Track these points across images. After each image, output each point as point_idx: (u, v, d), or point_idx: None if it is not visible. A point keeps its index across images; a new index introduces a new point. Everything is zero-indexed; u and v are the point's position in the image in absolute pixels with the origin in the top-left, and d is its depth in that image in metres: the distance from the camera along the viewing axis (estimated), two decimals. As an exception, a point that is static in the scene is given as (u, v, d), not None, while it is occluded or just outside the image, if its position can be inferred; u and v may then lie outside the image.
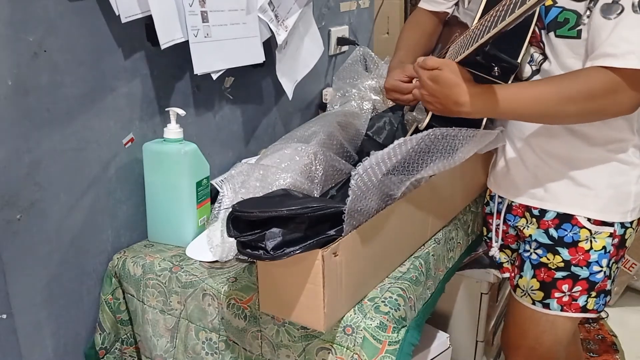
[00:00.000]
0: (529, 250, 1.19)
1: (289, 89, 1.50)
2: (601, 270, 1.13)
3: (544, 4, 1.02)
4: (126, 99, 1.15)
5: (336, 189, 1.13)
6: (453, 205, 1.28)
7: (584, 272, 1.13)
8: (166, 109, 1.19)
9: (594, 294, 1.15)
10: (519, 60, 1.01)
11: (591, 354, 2.02)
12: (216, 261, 1.11)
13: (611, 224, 1.11)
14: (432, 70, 1.00)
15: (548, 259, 1.16)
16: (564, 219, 1.13)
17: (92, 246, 1.15)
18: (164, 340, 1.13)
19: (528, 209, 1.18)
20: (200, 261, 1.12)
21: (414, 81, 1.17)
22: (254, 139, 1.53)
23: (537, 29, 1.06)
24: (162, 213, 1.19)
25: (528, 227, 1.19)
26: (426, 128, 1.09)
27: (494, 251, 1.32)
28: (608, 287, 1.16)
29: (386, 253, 1.03)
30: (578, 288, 1.14)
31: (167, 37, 1.14)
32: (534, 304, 1.19)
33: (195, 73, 1.21)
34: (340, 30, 1.82)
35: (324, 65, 1.78)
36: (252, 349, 1.04)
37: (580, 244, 1.12)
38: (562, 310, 1.16)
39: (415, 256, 1.12)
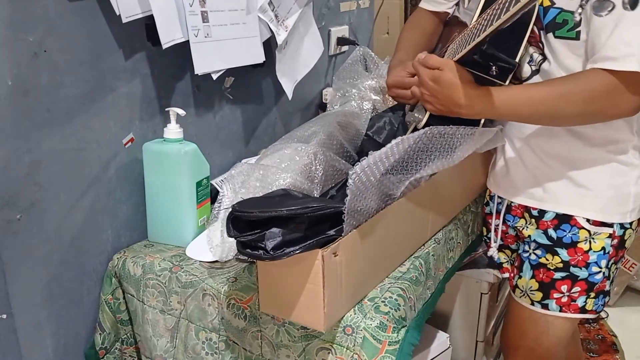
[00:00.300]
0: (528, 251, 1.19)
1: (288, 89, 1.50)
2: (600, 271, 1.13)
3: (542, 5, 1.02)
4: (126, 99, 1.15)
5: (336, 189, 1.13)
6: (453, 205, 1.28)
7: (583, 273, 1.13)
8: (166, 109, 1.19)
9: (592, 294, 1.15)
10: (517, 60, 1.01)
11: (591, 354, 2.02)
12: (216, 261, 1.11)
13: (610, 225, 1.11)
14: (433, 70, 1.00)
15: (547, 260, 1.16)
16: (563, 219, 1.13)
17: (92, 246, 1.15)
18: (164, 340, 1.13)
19: (527, 209, 1.18)
20: (200, 261, 1.12)
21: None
22: (254, 139, 1.53)
23: (536, 30, 1.06)
24: (162, 213, 1.19)
25: (527, 227, 1.19)
26: (424, 127, 1.09)
27: (493, 251, 1.32)
28: (607, 288, 1.16)
29: (386, 253, 1.03)
30: (577, 289, 1.14)
31: (168, 37, 1.14)
32: (532, 304, 1.19)
33: (195, 73, 1.21)
34: (340, 30, 1.82)
35: (324, 65, 1.78)
36: (252, 349, 1.04)
37: (579, 245, 1.12)
38: (561, 310, 1.16)
39: (415, 256, 1.12)
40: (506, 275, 1.33)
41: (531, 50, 1.09)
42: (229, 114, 1.43)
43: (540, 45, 1.07)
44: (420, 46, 1.35)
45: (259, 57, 1.35)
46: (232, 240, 0.95)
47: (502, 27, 0.86)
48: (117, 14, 1.06)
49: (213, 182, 1.23)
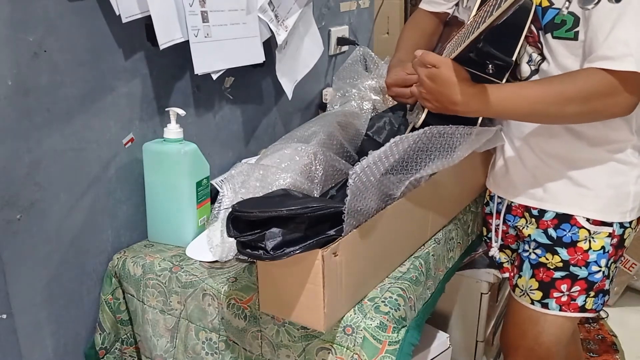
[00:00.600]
0: (528, 250, 1.19)
1: (288, 89, 1.50)
2: (600, 270, 1.13)
3: (540, 5, 1.02)
4: (126, 99, 1.15)
5: (336, 189, 1.13)
6: (453, 205, 1.28)
7: (582, 272, 1.13)
8: (166, 109, 1.19)
9: (592, 293, 1.15)
10: (513, 58, 1.01)
11: (591, 354, 2.02)
12: (216, 261, 1.11)
13: (610, 224, 1.11)
14: (429, 68, 1.01)
15: (547, 259, 1.16)
16: (563, 219, 1.13)
17: (92, 246, 1.15)
18: (164, 340, 1.13)
19: (527, 209, 1.18)
20: (200, 261, 1.12)
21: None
22: (254, 139, 1.53)
23: (535, 30, 1.06)
24: (162, 213, 1.19)
25: (527, 227, 1.19)
26: (422, 126, 1.09)
27: (494, 251, 1.32)
28: (607, 287, 1.16)
29: (386, 253, 1.03)
30: (577, 288, 1.14)
31: (166, 37, 1.14)
32: (532, 303, 1.19)
33: (195, 73, 1.21)
34: (340, 30, 1.82)
35: (324, 65, 1.78)
36: (252, 349, 1.04)
37: (579, 244, 1.12)
38: (560, 310, 1.16)
39: (415, 256, 1.12)
40: (506, 275, 1.33)
41: (530, 50, 1.09)
42: (229, 114, 1.43)
43: (539, 45, 1.07)
44: (420, 46, 1.34)
45: (259, 57, 1.35)
46: (232, 240, 0.95)
47: (496, 24, 0.87)
48: (117, 14, 1.06)
49: (213, 182, 1.23)
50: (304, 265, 0.86)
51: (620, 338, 2.11)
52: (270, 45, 1.42)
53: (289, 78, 1.50)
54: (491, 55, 0.97)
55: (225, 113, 1.42)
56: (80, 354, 1.17)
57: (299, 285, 0.88)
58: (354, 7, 1.88)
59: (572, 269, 1.13)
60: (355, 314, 0.94)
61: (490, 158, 1.28)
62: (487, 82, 1.01)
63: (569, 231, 1.13)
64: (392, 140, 0.91)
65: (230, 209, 0.86)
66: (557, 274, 1.15)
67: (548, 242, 1.15)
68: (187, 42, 1.18)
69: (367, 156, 0.88)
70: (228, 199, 1.08)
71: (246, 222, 0.85)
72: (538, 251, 1.17)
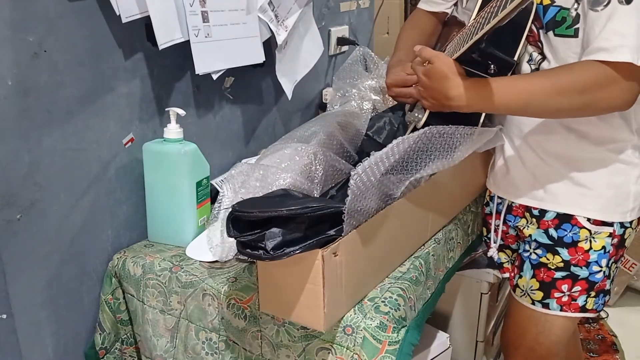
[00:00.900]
0: (528, 250, 1.19)
1: (288, 89, 1.50)
2: (600, 270, 1.13)
3: (541, 3, 1.02)
4: (126, 99, 1.15)
5: (336, 189, 1.13)
6: (453, 205, 1.28)
7: (583, 272, 1.13)
8: (166, 109, 1.19)
9: (593, 293, 1.15)
10: (515, 58, 1.01)
11: (591, 354, 2.02)
12: (216, 261, 1.11)
13: (610, 224, 1.11)
14: (425, 65, 1.01)
15: (547, 259, 1.16)
16: (564, 219, 1.13)
17: (92, 246, 1.15)
18: (164, 340, 1.13)
19: (528, 209, 1.18)
20: (200, 261, 1.12)
21: None
22: (254, 139, 1.53)
23: (535, 29, 1.06)
24: (162, 213, 1.19)
25: (528, 227, 1.19)
26: (424, 127, 1.09)
27: (493, 252, 1.32)
28: (607, 287, 1.16)
29: (386, 253, 1.03)
30: (577, 288, 1.14)
31: (165, 37, 1.14)
32: (533, 303, 1.19)
33: (196, 73, 1.21)
34: (340, 30, 1.82)
35: (324, 65, 1.78)
36: (252, 349, 1.04)
37: (579, 244, 1.12)
38: (561, 310, 1.16)
39: (415, 256, 1.12)
40: (506, 275, 1.33)
41: (530, 49, 1.09)
42: (229, 114, 1.43)
43: (539, 44, 1.07)
44: (420, 45, 1.35)
45: (259, 57, 1.35)
46: (232, 240, 0.95)
47: (500, 25, 0.87)
48: (117, 14, 1.06)
49: (213, 182, 1.23)
50: (304, 265, 0.86)
51: (620, 338, 2.11)
52: (270, 45, 1.42)
53: (288, 78, 1.50)
54: (493, 56, 0.97)
55: (225, 113, 1.42)
56: (80, 354, 1.17)
57: (299, 285, 0.88)
58: (354, 7, 1.88)
59: (572, 269, 1.13)
60: (355, 314, 0.94)
61: (490, 158, 1.28)
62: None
63: (569, 231, 1.12)
64: (394, 141, 0.91)
65: (230, 209, 0.86)
66: (558, 274, 1.15)
67: (549, 242, 1.15)
68: (187, 42, 1.18)
69: (368, 157, 0.88)
70: (228, 199, 1.08)
71: (246, 222, 0.85)
72: (539, 251, 1.17)
